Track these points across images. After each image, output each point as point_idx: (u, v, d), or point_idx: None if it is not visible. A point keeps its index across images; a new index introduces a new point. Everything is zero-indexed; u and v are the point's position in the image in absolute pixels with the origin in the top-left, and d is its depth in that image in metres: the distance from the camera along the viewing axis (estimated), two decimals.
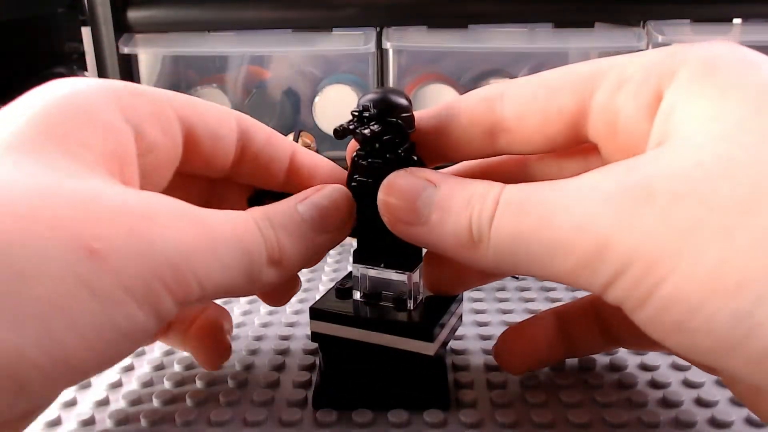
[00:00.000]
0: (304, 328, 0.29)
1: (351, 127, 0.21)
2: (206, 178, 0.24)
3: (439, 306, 0.23)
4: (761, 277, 0.14)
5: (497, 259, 0.19)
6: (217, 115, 0.23)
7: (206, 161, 0.23)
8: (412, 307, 0.23)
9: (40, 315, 0.14)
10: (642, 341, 0.24)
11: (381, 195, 0.21)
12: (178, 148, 0.21)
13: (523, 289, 0.33)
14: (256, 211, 0.20)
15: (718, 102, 0.17)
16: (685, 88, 0.18)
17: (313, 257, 0.22)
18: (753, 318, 0.14)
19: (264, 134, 0.24)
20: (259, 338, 0.28)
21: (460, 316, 0.25)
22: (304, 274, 0.35)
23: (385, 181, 0.21)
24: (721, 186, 0.15)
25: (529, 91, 0.21)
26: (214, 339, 0.25)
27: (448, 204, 0.20)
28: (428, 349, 0.22)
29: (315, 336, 0.24)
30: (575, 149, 0.22)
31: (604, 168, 0.18)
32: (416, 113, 0.23)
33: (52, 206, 0.15)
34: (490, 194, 0.19)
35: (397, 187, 0.20)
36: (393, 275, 0.23)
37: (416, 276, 0.23)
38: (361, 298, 0.24)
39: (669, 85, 0.18)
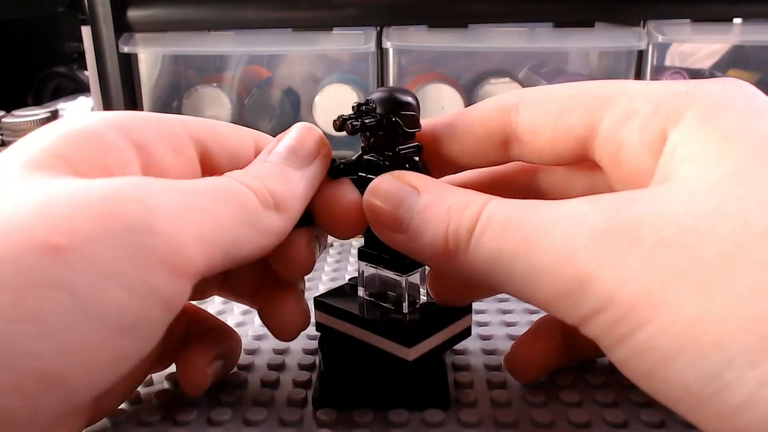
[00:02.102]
0: None
1: (346, 117, 0.22)
2: None
3: (437, 314, 0.23)
4: (735, 339, 0.14)
5: (475, 272, 0.19)
6: (235, 136, 0.23)
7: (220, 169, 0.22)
8: (406, 310, 0.23)
9: (4, 331, 0.13)
10: None
11: (366, 198, 0.21)
12: (193, 168, 0.21)
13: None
14: (234, 173, 0.20)
15: (718, 149, 0.17)
16: (689, 131, 0.18)
17: (307, 192, 0.21)
18: (722, 379, 0.14)
19: (228, 128, 0.23)
20: (259, 338, 0.28)
21: (467, 328, 0.25)
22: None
23: (370, 185, 0.21)
24: (707, 239, 0.15)
25: (542, 105, 0.21)
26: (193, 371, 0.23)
27: (428, 212, 0.19)
28: (407, 354, 0.22)
29: (317, 326, 0.24)
30: (585, 165, 0.22)
31: (597, 198, 0.18)
32: (431, 120, 0.23)
33: (9, 212, 0.14)
34: (471, 205, 0.19)
35: (382, 192, 0.20)
36: (391, 275, 0.23)
37: (414, 279, 0.23)
38: (365, 295, 0.24)
39: (675, 125, 0.18)
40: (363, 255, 0.24)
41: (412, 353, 0.22)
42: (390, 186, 0.20)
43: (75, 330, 0.14)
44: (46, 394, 0.14)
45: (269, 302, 0.23)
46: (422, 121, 0.23)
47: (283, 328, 0.23)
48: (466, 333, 0.24)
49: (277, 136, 0.23)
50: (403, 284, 0.23)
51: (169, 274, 0.15)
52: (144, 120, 0.20)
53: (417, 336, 0.22)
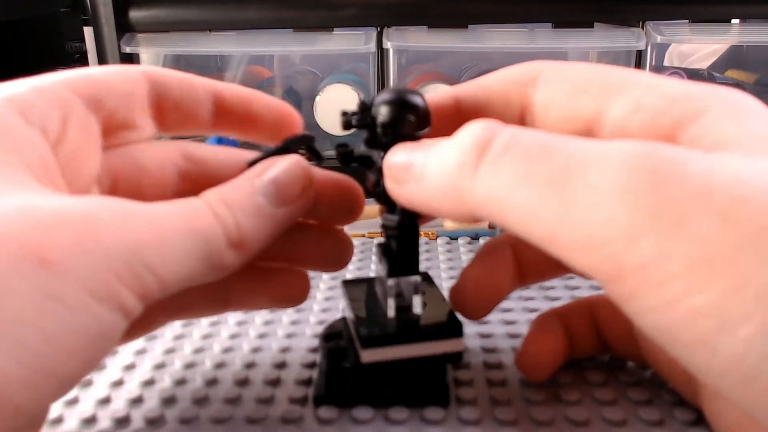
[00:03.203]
0: (306, 326, 0.29)
1: (346, 113, 0.22)
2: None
3: (416, 327, 0.23)
4: None
5: (488, 198, 0.17)
6: (122, 78, 0.21)
7: (125, 127, 0.22)
8: (392, 314, 0.23)
9: (13, 332, 0.14)
10: (629, 351, 0.24)
11: (386, 158, 0.21)
12: (89, 129, 0.20)
13: (522, 287, 0.33)
14: (211, 194, 0.20)
15: (753, 138, 0.17)
16: (714, 126, 0.17)
17: (274, 232, 0.21)
18: None
19: (179, 80, 0.23)
20: (261, 336, 0.28)
21: (457, 353, 0.23)
22: None
23: (389, 152, 0.21)
24: None
25: (557, 83, 0.21)
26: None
27: (436, 147, 0.19)
28: (361, 355, 0.22)
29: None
30: None
31: (656, 143, 0.16)
32: (452, 90, 0.23)
33: None
34: (484, 126, 0.18)
35: (400, 151, 0.20)
36: (383, 275, 0.23)
37: (403, 284, 0.23)
38: (379, 291, 0.25)
39: (693, 123, 0.18)
40: (381, 250, 0.24)
41: (365, 355, 0.22)
42: (409, 144, 0.20)
43: (71, 335, 0.15)
44: (48, 388, 0.15)
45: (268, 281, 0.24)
46: (444, 92, 0.23)
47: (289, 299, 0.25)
48: (454, 357, 0.23)
49: (267, 161, 0.22)
50: (390, 283, 0.23)
51: (134, 297, 0.17)
52: (31, 92, 0.19)
53: (373, 340, 0.22)
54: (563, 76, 0.21)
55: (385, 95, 0.22)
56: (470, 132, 0.18)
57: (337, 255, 0.25)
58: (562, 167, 0.16)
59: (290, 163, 0.21)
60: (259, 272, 0.24)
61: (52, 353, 0.15)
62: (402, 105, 0.21)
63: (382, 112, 0.21)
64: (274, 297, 0.25)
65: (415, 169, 0.19)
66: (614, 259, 0.15)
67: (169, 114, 0.23)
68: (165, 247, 0.17)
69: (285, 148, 0.22)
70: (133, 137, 0.22)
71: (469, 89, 0.23)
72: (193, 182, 0.23)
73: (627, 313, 0.16)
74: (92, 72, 0.21)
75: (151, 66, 0.23)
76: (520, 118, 0.22)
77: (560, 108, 0.21)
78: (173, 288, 0.18)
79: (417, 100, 0.21)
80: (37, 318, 0.15)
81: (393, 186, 0.20)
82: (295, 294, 0.25)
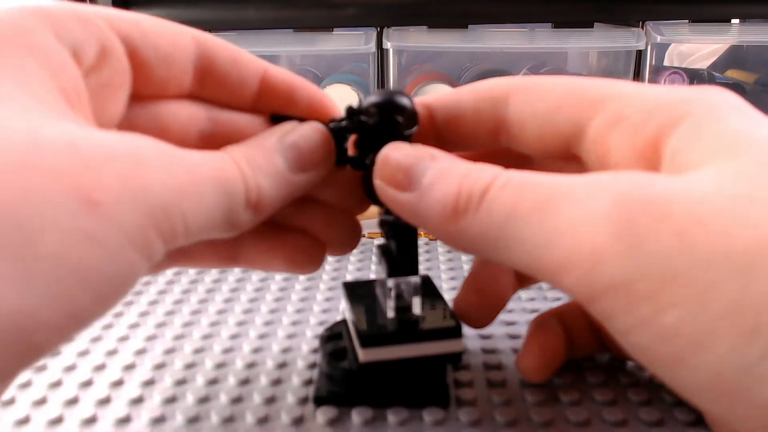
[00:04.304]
0: (306, 326, 0.29)
1: (334, 119, 0.22)
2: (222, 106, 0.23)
3: (415, 328, 0.23)
4: None
5: (480, 236, 0.18)
6: (169, 35, 0.20)
7: (159, 85, 0.21)
8: (392, 315, 0.23)
9: (51, 273, 0.14)
10: (627, 352, 0.25)
11: (381, 155, 0.21)
12: (122, 69, 0.19)
13: (522, 288, 0.33)
14: (235, 151, 0.19)
15: (729, 148, 0.17)
16: (692, 135, 0.17)
17: (289, 197, 0.21)
18: (763, 365, 0.14)
19: (229, 54, 0.22)
20: (261, 336, 0.29)
21: (457, 354, 0.23)
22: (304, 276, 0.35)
23: (389, 145, 0.21)
24: (743, 222, 0.15)
25: (531, 101, 0.21)
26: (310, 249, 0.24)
27: (443, 172, 0.19)
28: (360, 354, 0.22)
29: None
30: (575, 157, 0.22)
31: (620, 171, 0.17)
32: (426, 99, 0.23)
33: (42, 155, 0.14)
34: (489, 169, 0.18)
35: (402, 150, 0.20)
36: (382, 276, 0.23)
37: (403, 285, 0.23)
38: (380, 292, 0.25)
39: (672, 132, 0.18)
40: (381, 251, 0.24)
41: (365, 355, 0.22)
42: (409, 148, 0.20)
43: (105, 281, 0.15)
44: (70, 331, 0.15)
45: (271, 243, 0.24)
46: (417, 100, 0.23)
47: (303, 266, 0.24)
48: (454, 358, 0.23)
49: (289, 123, 0.22)
50: (389, 284, 0.23)
51: (162, 244, 0.16)
52: (69, 14, 0.18)
53: (372, 340, 0.22)
54: (538, 94, 0.21)
55: (372, 98, 0.22)
56: (476, 178, 0.19)
57: (346, 237, 0.25)
58: (542, 201, 0.17)
59: (312, 128, 0.21)
60: (274, 233, 0.24)
61: (83, 297, 0.14)
62: (390, 106, 0.21)
63: (371, 114, 0.21)
64: (285, 260, 0.24)
65: (416, 182, 0.19)
66: (587, 281, 0.16)
67: (211, 87, 0.22)
68: (198, 195, 0.17)
69: None
70: (164, 95, 0.21)
71: (443, 101, 0.23)
72: (216, 147, 0.22)
73: (612, 334, 0.17)
74: (141, 19, 0.20)
75: (205, 33, 0.22)
76: (494, 133, 0.22)
77: (536, 126, 0.21)
78: (193, 238, 0.18)
79: (404, 100, 0.22)
80: (77, 260, 0.14)
81: (390, 191, 0.20)
82: (309, 260, 0.24)
